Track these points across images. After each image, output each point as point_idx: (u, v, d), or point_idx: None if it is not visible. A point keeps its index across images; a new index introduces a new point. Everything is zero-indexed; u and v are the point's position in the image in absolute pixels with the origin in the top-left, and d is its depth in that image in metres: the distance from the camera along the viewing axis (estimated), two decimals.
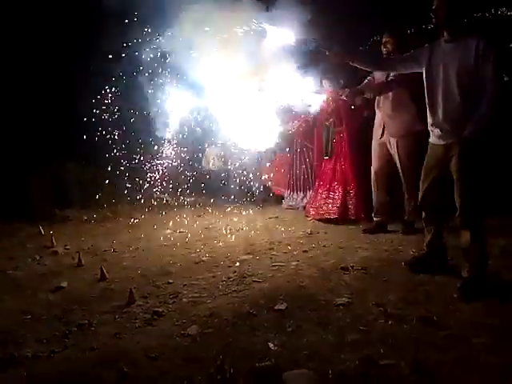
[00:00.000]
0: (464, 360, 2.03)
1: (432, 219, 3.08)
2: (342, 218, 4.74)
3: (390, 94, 4.02)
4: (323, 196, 4.97)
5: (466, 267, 2.84)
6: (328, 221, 4.81)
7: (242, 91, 4.04)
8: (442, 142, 2.88)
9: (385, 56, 3.98)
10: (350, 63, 3.22)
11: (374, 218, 4.35)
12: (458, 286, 2.76)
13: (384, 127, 4.10)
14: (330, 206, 4.86)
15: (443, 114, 2.82)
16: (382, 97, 4.10)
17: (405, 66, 3.16)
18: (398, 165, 4.05)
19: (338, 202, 4.80)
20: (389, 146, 4.10)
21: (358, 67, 3.29)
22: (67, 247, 4.17)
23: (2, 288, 3.17)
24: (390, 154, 4.12)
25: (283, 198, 5.95)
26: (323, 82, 4.73)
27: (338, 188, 4.86)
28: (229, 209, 5.81)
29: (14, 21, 5.80)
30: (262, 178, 6.17)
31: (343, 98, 4.41)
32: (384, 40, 4.02)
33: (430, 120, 2.95)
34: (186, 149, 6.18)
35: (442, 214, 3.04)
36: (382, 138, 4.12)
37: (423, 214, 3.12)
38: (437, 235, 3.10)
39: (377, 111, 4.18)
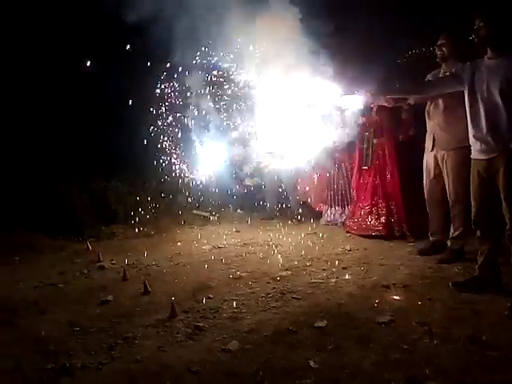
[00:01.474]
0: None
1: (487, 238, 2.97)
2: (389, 235, 4.63)
3: (441, 103, 3.65)
4: (366, 211, 4.87)
5: None
6: (370, 237, 4.72)
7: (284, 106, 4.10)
8: (484, 157, 2.83)
9: (440, 58, 3.71)
10: (391, 99, 3.17)
11: (430, 238, 4.03)
12: (509, 304, 2.64)
13: (434, 139, 3.80)
14: (374, 221, 4.76)
15: (486, 126, 2.78)
16: (432, 106, 3.76)
17: (447, 86, 3.13)
18: (445, 181, 3.73)
19: (383, 218, 4.69)
20: (439, 159, 3.78)
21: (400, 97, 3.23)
22: (113, 262, 4.33)
23: (53, 301, 3.34)
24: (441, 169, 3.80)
25: (321, 214, 5.92)
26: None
27: (381, 203, 4.76)
28: (267, 224, 5.83)
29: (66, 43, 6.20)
30: (301, 193, 6.17)
31: (384, 103, 4.03)
32: (440, 42, 3.70)
33: (471, 133, 2.91)
34: (224, 164, 6.32)
35: (498, 231, 2.90)
36: (433, 151, 3.81)
37: (477, 232, 3.01)
38: (490, 256, 2.98)
39: (427, 122, 3.88)
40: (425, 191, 3.98)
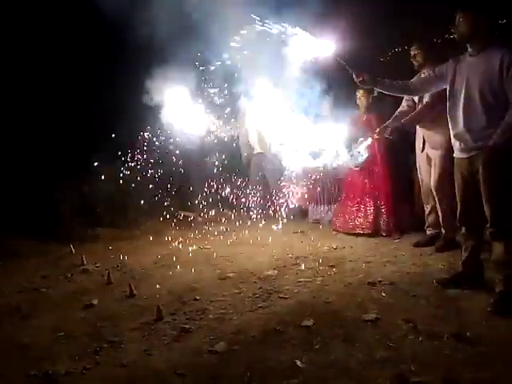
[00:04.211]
0: (499, 379, 1.96)
1: (471, 235, 3.00)
2: (374, 233, 4.67)
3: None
4: (353, 209, 4.89)
5: (499, 281, 2.76)
6: (356, 235, 4.75)
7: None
8: (465, 156, 2.86)
9: (417, 67, 3.86)
10: (374, 88, 3.22)
11: (427, 232, 4.18)
12: (492, 300, 2.68)
13: (424, 140, 3.93)
14: (361, 220, 4.78)
15: (465, 124, 2.80)
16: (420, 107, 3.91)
17: (431, 86, 3.16)
18: (433, 178, 3.87)
19: (371, 216, 4.72)
20: (431, 158, 3.91)
21: (383, 92, 3.27)
22: (97, 265, 4.27)
23: (36, 306, 3.27)
24: None
25: (308, 212, 5.93)
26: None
27: (369, 202, 4.78)
28: (253, 224, 5.82)
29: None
30: (288, 192, 6.17)
31: (385, 136, 4.03)
32: (413, 53, 3.87)
33: (452, 132, 2.93)
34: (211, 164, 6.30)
35: (482, 228, 2.93)
36: (424, 151, 3.96)
37: (462, 229, 3.05)
38: (474, 253, 3.02)
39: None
40: (421, 188, 4.11)
